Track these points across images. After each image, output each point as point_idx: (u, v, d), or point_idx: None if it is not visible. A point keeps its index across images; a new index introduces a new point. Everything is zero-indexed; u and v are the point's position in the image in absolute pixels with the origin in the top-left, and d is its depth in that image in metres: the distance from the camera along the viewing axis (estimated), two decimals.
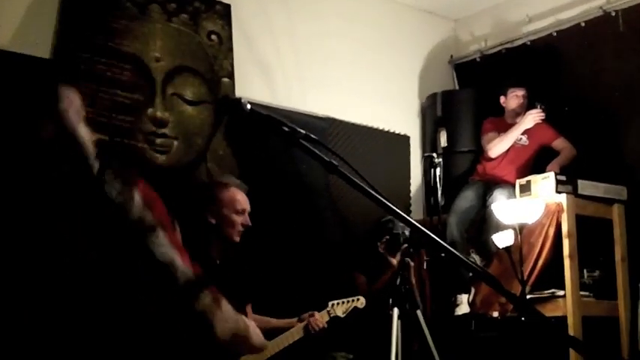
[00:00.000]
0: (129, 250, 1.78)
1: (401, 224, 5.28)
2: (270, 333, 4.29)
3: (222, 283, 3.77)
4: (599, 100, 5.79)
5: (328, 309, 4.57)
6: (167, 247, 1.78)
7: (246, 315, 4.25)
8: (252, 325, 2.00)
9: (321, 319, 4.50)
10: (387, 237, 5.18)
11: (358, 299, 4.69)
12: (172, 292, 1.76)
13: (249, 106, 2.08)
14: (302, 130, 2.05)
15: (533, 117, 5.69)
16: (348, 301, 4.65)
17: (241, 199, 4.15)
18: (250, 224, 4.14)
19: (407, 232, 5.23)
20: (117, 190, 1.78)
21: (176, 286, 1.76)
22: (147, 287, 1.79)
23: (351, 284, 5.20)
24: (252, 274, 4.43)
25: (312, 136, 2.06)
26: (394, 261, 5.12)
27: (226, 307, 1.87)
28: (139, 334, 1.85)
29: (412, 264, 5.06)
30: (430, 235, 2.01)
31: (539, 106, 5.70)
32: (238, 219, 4.10)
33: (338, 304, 4.61)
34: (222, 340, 1.82)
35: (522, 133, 5.80)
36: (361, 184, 1.99)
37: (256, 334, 1.99)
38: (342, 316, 4.61)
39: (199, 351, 1.84)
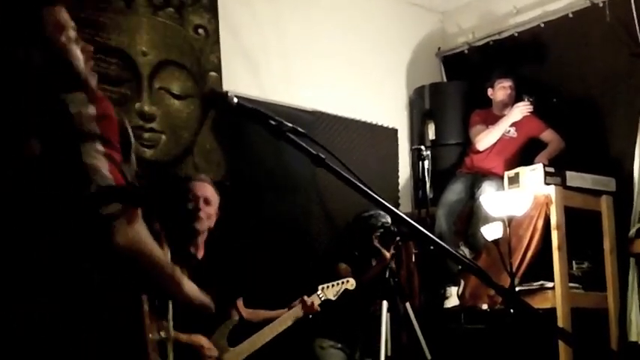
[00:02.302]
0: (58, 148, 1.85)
1: (382, 218, 5.30)
2: (261, 324, 4.31)
3: (207, 279, 3.81)
4: (587, 91, 5.80)
5: (318, 293, 4.55)
6: (100, 157, 1.83)
7: (237, 309, 4.27)
8: (178, 272, 2.00)
9: (313, 302, 4.49)
10: (382, 230, 5.16)
11: (348, 281, 4.67)
12: (84, 193, 1.80)
13: (235, 100, 2.07)
14: (289, 124, 2.05)
15: (521, 110, 5.70)
16: (338, 284, 4.64)
17: (205, 190, 4.31)
18: (217, 214, 4.31)
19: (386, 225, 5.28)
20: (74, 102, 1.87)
21: (88, 188, 1.80)
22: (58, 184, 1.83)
23: (333, 275, 5.18)
24: (239, 269, 4.44)
25: (299, 129, 2.05)
26: (387, 254, 5.10)
27: (140, 226, 1.88)
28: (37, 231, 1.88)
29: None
30: (419, 228, 2.00)
31: (526, 99, 5.71)
32: (204, 208, 4.25)
33: (328, 287, 4.60)
34: (118, 247, 1.81)
35: (510, 125, 5.80)
36: (349, 177, 1.98)
37: (178, 275, 1.98)
38: (334, 298, 4.60)
39: (94, 254, 1.85)
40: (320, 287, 4.58)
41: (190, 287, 2.06)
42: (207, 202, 4.28)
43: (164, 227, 2.32)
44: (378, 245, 5.12)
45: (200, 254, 4.24)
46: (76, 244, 1.86)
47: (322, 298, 4.53)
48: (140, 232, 1.87)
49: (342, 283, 4.65)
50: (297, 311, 4.43)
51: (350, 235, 5.52)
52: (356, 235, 5.43)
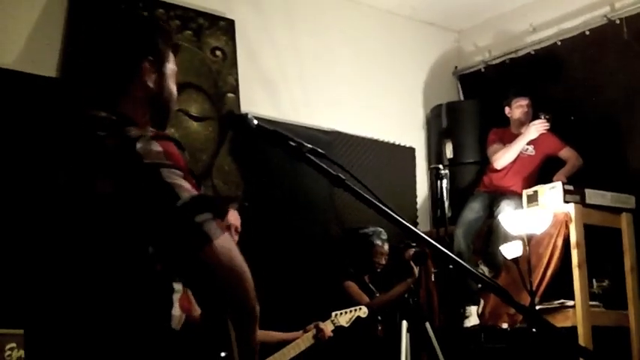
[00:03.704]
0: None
1: (382, 235, 5.33)
2: (275, 346, 4.28)
3: None
4: (605, 109, 5.78)
5: (332, 319, 4.57)
6: (179, 178, 1.90)
7: None
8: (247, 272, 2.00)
9: (326, 329, 4.49)
10: (415, 249, 5.14)
11: (360, 309, 4.68)
12: (174, 207, 1.85)
13: (255, 122, 2.08)
14: (308, 145, 2.05)
15: (537, 127, 5.69)
16: (350, 311, 4.65)
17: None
18: (236, 240, 4.04)
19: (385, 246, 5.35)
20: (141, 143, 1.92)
21: (177, 202, 1.85)
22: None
23: (341, 294, 5.18)
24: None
25: (319, 150, 2.05)
26: (417, 272, 5.10)
27: (229, 235, 1.93)
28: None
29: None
30: (438, 247, 2.00)
31: (542, 117, 5.70)
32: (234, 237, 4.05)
33: (341, 313, 4.62)
34: (216, 251, 1.86)
35: (528, 144, 5.79)
36: (368, 197, 1.98)
37: (250, 283, 1.99)
38: (347, 325, 4.60)
39: (191, 258, 1.89)
40: (333, 314, 4.59)
41: (250, 283, 2.10)
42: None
43: None
44: (412, 264, 5.09)
45: None
46: (168, 261, 1.92)
47: (336, 325, 4.54)
48: (230, 239, 1.92)
49: (355, 310, 4.66)
50: (310, 336, 4.42)
51: (348, 252, 5.50)
52: (354, 252, 5.41)
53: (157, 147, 1.92)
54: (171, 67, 2.26)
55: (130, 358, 1.88)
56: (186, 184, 1.89)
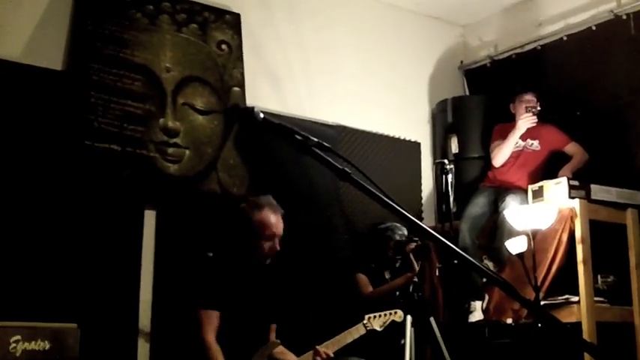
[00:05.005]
0: None
1: (398, 230, 5.37)
2: None
3: (253, 300, 3.68)
4: (611, 104, 5.76)
5: (364, 322, 4.45)
6: None
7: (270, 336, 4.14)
8: None
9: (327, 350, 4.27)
10: (417, 243, 5.13)
11: (396, 312, 4.55)
12: None
13: (261, 115, 2.08)
14: (314, 138, 2.05)
15: (524, 121, 5.71)
16: (385, 314, 4.52)
17: (273, 223, 4.05)
18: (278, 249, 4.05)
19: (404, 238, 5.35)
20: None
21: None
22: None
23: (352, 286, 5.20)
24: (279, 295, 4.32)
25: (325, 144, 2.05)
26: (417, 268, 5.09)
27: None
28: None
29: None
30: (443, 242, 2.00)
31: (529, 109, 5.72)
32: (266, 244, 4.02)
33: (375, 317, 4.48)
34: None
35: (533, 139, 5.79)
36: (374, 191, 1.99)
37: None
38: (380, 329, 4.50)
39: None
40: (366, 317, 4.45)
41: None
42: (273, 236, 4.07)
43: None
44: (412, 258, 5.08)
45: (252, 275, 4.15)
46: None
47: (368, 328, 4.45)
48: None
49: (390, 314, 4.54)
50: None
51: (367, 247, 5.54)
52: (373, 247, 5.45)
53: None
54: None
55: None
56: None
